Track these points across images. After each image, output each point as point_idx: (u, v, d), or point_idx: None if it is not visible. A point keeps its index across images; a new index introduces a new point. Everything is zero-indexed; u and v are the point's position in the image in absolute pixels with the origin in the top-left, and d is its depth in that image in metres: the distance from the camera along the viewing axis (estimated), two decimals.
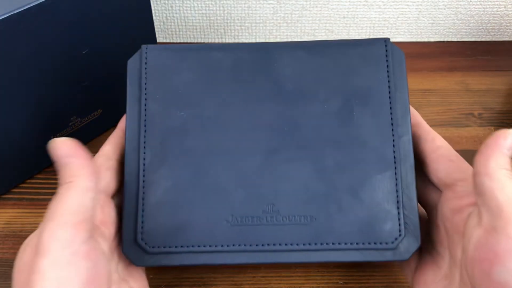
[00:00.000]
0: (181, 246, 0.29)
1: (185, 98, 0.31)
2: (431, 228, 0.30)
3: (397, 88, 0.31)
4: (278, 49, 0.32)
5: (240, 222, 0.29)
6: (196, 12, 0.55)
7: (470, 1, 0.54)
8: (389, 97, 0.30)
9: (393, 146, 0.29)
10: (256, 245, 0.29)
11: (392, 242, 0.28)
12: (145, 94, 0.31)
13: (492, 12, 0.55)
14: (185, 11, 0.55)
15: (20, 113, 0.37)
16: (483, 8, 0.55)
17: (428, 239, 0.30)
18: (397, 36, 0.57)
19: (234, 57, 0.32)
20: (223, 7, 0.54)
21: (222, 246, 0.29)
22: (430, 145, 0.29)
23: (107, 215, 0.28)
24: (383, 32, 0.57)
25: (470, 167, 0.28)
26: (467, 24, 0.56)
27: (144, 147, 0.30)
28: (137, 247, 0.29)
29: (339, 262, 0.29)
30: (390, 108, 0.30)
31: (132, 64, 0.32)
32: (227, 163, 0.30)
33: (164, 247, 0.29)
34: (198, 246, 0.29)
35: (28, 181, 0.42)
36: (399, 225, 0.29)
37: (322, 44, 0.32)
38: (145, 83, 0.31)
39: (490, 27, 0.57)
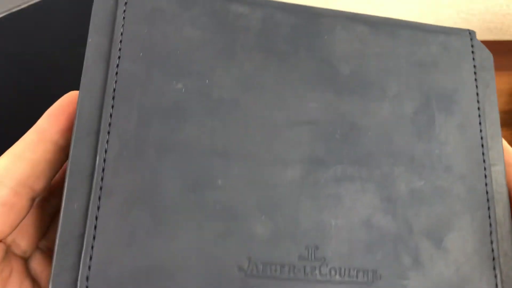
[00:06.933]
0: None
1: (185, 63, 0.20)
2: None
3: (486, 97, 0.23)
4: (330, 17, 0.23)
5: (262, 272, 0.19)
6: None
7: (472, 0, 0.54)
8: (478, 108, 0.23)
9: (485, 176, 0.22)
10: None
11: None
12: (119, 48, 0.20)
13: (494, 12, 0.55)
14: None
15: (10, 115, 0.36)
16: (485, 7, 0.54)
17: None
18: None
19: (265, 15, 0.22)
20: None
21: None
22: None
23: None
24: None
25: None
26: (469, 23, 0.56)
27: (108, 133, 0.19)
28: None
29: None
30: (480, 123, 0.23)
31: (101, 3, 0.20)
32: (245, 173, 0.19)
33: None
34: None
35: None
36: None
37: (390, 23, 0.23)
38: (121, 32, 0.20)
39: (493, 26, 0.56)
